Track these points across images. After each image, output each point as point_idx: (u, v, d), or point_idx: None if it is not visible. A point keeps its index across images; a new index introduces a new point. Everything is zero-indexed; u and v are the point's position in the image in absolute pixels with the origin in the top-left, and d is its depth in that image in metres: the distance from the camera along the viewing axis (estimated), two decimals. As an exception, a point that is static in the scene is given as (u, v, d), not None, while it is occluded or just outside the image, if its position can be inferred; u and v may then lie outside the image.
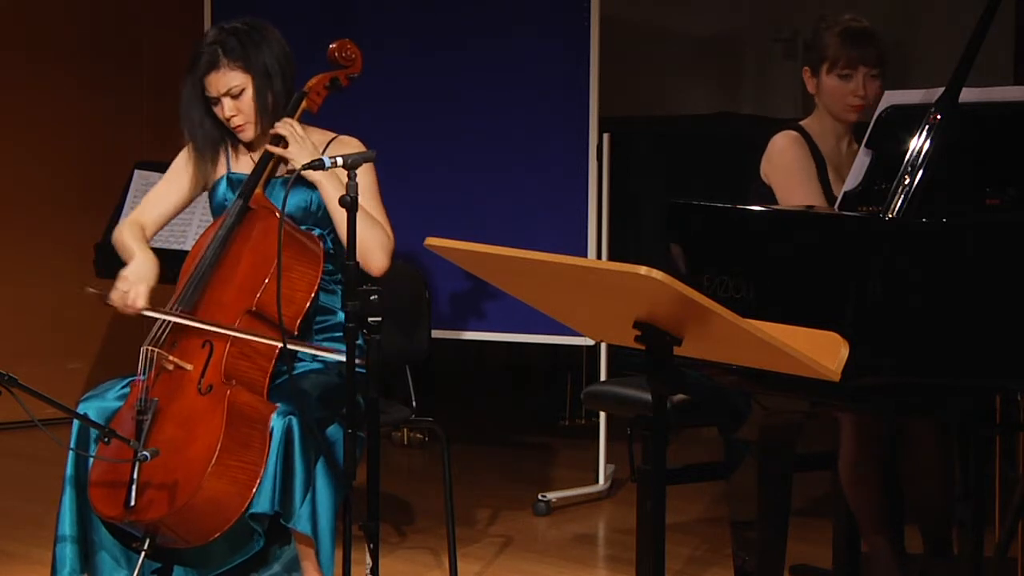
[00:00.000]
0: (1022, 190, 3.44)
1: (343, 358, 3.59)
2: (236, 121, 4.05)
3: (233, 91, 4.02)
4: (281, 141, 4.03)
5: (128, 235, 4.09)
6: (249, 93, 4.02)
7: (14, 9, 6.88)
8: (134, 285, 3.93)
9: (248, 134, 4.08)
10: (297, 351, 3.93)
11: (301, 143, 3.99)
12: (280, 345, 3.76)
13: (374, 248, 3.95)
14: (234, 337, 3.82)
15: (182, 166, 4.18)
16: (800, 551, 4.35)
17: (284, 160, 4.05)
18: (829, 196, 3.99)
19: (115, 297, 3.93)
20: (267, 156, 4.05)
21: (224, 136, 4.13)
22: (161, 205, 4.19)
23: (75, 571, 3.84)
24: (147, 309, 3.92)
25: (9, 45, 6.86)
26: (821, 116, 4.08)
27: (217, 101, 4.04)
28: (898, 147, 3.43)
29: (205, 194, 4.20)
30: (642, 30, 8.09)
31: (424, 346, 4.60)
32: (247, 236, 3.97)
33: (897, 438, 4.01)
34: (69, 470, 3.87)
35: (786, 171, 4.03)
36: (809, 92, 4.08)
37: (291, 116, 4.07)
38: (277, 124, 4.03)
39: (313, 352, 3.95)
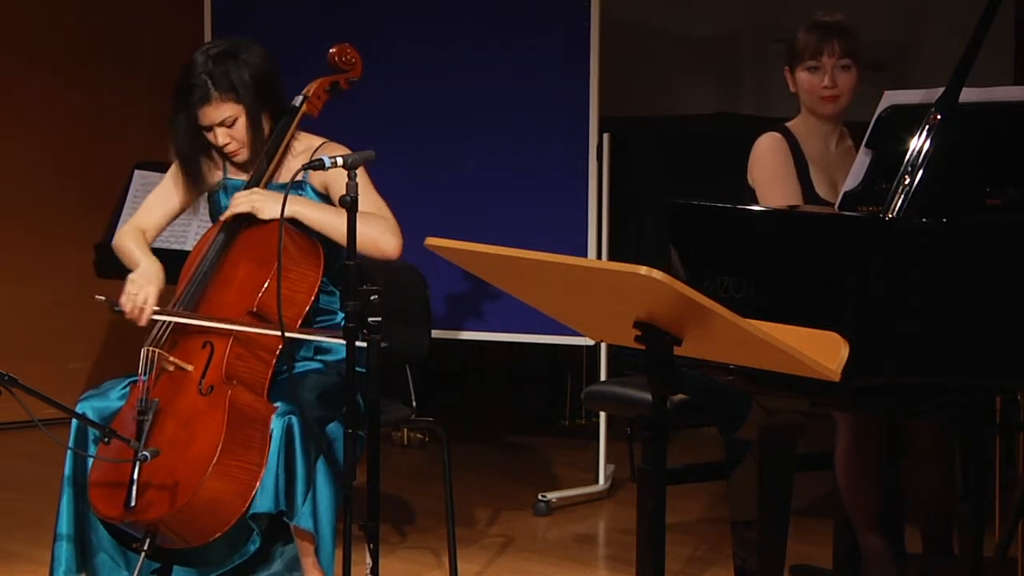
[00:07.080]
0: (1022, 190, 3.43)
1: (343, 341, 3.58)
2: (230, 148, 4.05)
3: (227, 121, 4.01)
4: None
5: (131, 241, 4.12)
6: (242, 121, 4.01)
7: (14, 9, 6.88)
8: (143, 287, 3.93)
9: (242, 157, 4.08)
10: (300, 338, 3.91)
11: (264, 200, 3.93)
12: (280, 336, 3.76)
13: (379, 235, 3.93)
14: (234, 338, 3.83)
15: (175, 180, 4.19)
16: (800, 551, 4.35)
17: (280, 165, 4.06)
18: (811, 196, 3.99)
19: (125, 301, 3.92)
20: (261, 171, 4.04)
21: (215, 154, 4.13)
22: (159, 211, 4.21)
23: (71, 570, 3.85)
24: (156, 312, 3.91)
25: (9, 46, 6.86)
26: (805, 116, 4.09)
27: (210, 129, 4.04)
28: (898, 147, 3.43)
29: (205, 196, 4.21)
30: (642, 30, 8.08)
31: (424, 346, 4.60)
32: (247, 238, 3.97)
33: (897, 438, 4.01)
34: (67, 470, 3.88)
35: (765, 172, 4.04)
36: (792, 92, 4.09)
37: (291, 122, 4.07)
38: (233, 205, 3.96)
39: (315, 339, 3.94)
